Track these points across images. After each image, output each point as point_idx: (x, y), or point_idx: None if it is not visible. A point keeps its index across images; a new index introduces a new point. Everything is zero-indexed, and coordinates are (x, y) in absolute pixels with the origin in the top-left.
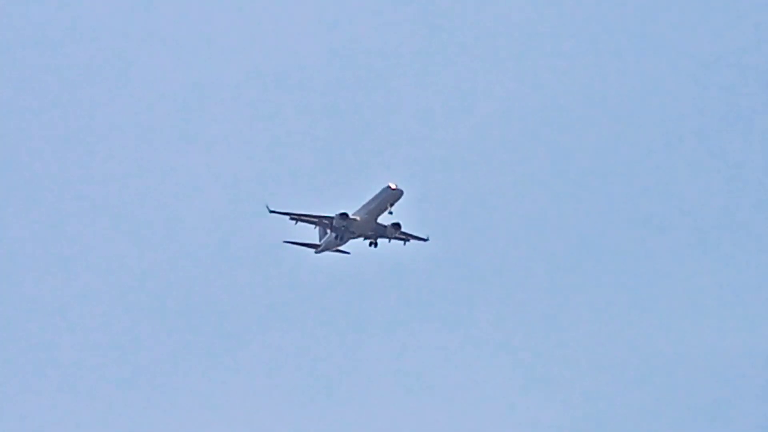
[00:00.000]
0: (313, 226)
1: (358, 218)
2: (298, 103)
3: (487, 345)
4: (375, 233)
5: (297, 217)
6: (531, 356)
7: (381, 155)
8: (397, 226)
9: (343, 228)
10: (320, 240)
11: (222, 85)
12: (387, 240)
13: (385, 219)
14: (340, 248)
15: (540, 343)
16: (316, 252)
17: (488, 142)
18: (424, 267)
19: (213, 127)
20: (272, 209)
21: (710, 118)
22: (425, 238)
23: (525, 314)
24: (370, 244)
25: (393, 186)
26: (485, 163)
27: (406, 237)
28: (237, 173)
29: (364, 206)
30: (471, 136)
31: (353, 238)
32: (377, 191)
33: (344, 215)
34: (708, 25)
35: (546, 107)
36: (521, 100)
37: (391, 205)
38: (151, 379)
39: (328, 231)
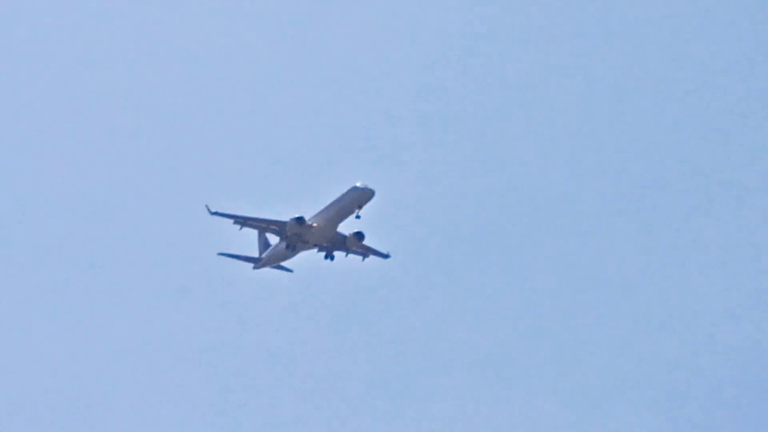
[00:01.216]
0: (257, 233)
1: (315, 224)
2: (251, 96)
3: (436, 381)
4: (332, 244)
5: (242, 221)
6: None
7: (342, 159)
8: (359, 236)
9: (296, 236)
10: (260, 252)
11: (169, 78)
12: (344, 253)
13: (344, 228)
14: (283, 264)
15: (503, 382)
16: (254, 267)
17: (466, 152)
18: (381, 289)
19: (153, 118)
20: (213, 210)
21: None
22: (386, 254)
23: (481, 351)
24: (326, 257)
25: (360, 185)
26: (465, 174)
27: (366, 251)
28: (176, 169)
29: (324, 210)
30: (448, 143)
31: (306, 249)
32: (339, 194)
33: (300, 220)
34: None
35: (525, 118)
36: (498, 111)
37: (359, 207)
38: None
39: (271, 242)
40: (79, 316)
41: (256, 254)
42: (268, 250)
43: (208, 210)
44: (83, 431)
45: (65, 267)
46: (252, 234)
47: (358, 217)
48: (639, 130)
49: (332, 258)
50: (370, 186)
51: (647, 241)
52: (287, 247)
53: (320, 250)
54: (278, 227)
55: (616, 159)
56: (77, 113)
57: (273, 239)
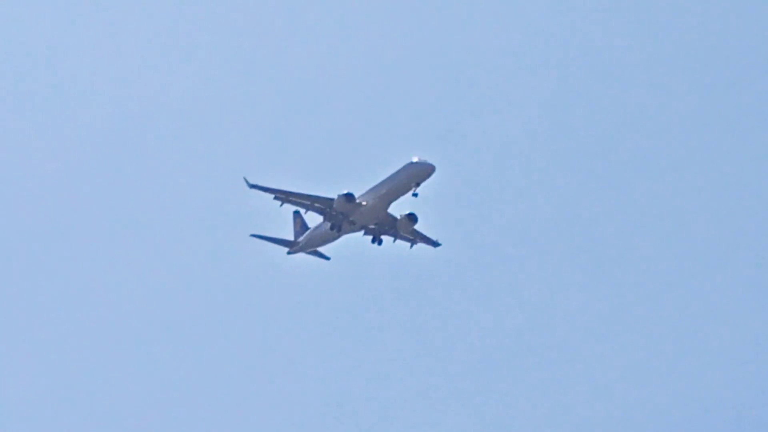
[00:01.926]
0: (293, 216)
1: (365, 203)
2: (300, 62)
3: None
4: (381, 226)
5: (284, 197)
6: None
7: (397, 133)
8: (412, 218)
9: (342, 215)
10: (296, 236)
11: (207, 47)
12: (392, 238)
13: (395, 210)
14: (322, 249)
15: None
16: (289, 252)
17: (537, 129)
18: (428, 282)
19: (193, 87)
20: (252, 183)
21: None
22: (437, 242)
23: (536, 355)
24: (373, 241)
25: (419, 159)
26: (534, 155)
27: (415, 237)
28: (214, 140)
29: (376, 187)
30: (519, 118)
31: (352, 231)
32: (392, 171)
33: (350, 197)
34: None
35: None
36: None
37: (417, 185)
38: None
39: (309, 225)
40: (87, 297)
41: (291, 237)
42: (307, 233)
43: (247, 183)
44: (99, 413)
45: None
46: (289, 216)
47: (415, 195)
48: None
49: (380, 242)
50: (430, 161)
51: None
52: (332, 227)
53: (367, 233)
54: (323, 205)
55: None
56: (112, 76)
57: (311, 221)
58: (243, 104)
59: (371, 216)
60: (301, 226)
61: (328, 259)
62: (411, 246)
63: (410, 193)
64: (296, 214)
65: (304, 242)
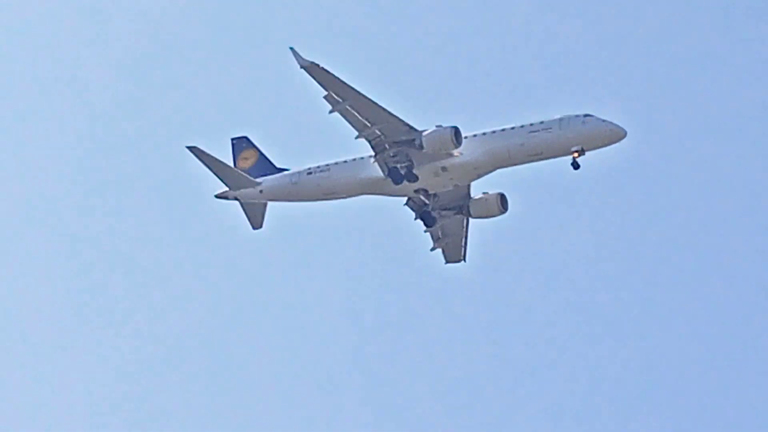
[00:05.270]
0: (246, 139)
1: (458, 154)
2: None
3: None
4: (442, 200)
5: (342, 97)
6: None
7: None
8: (503, 202)
9: (412, 163)
10: (243, 166)
11: None
12: (432, 224)
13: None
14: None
15: None
16: (219, 195)
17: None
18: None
19: None
20: (307, 60)
21: None
22: (462, 257)
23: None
24: (421, 218)
25: (585, 114)
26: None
27: (443, 237)
28: None
29: (494, 135)
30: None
31: (404, 193)
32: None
33: (458, 134)
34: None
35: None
36: None
37: (581, 152)
38: None
39: (272, 163)
40: None
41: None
42: (296, 173)
43: (298, 57)
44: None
45: None
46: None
47: (576, 167)
48: None
49: (429, 224)
50: (617, 122)
51: None
52: (389, 174)
53: (410, 204)
54: (401, 134)
55: None
56: None
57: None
58: None
59: (456, 176)
60: (256, 161)
61: (258, 228)
62: (433, 248)
63: (572, 157)
64: (243, 141)
65: (274, 186)
